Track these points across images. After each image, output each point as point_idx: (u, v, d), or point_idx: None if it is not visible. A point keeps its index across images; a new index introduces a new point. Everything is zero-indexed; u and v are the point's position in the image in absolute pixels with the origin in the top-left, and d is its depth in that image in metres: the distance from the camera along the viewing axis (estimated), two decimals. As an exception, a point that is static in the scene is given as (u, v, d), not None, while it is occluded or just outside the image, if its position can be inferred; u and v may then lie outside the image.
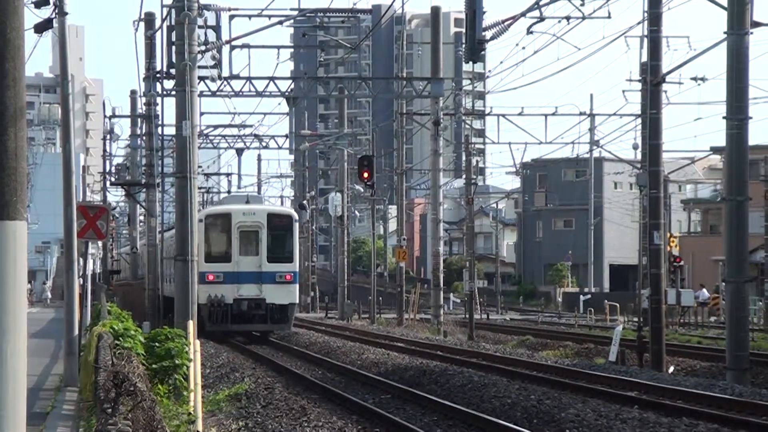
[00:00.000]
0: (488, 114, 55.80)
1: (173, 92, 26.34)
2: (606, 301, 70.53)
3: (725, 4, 26.63)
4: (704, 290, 61.51)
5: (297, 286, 44.42)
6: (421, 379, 27.15)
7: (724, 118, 26.84)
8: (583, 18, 31.80)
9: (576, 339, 44.64)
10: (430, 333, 48.54)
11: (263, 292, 42.83)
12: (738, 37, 26.36)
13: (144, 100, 45.82)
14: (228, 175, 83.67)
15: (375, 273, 69.67)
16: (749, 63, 26.59)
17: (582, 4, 31.13)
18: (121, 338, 18.49)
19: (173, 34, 25.77)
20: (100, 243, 68.50)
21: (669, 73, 32.25)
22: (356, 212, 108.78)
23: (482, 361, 32.43)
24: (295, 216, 45.90)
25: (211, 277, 42.49)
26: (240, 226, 43.43)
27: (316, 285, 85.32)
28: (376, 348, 37.08)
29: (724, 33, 26.69)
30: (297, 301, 45.59)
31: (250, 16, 33.35)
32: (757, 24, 27.22)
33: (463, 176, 61.19)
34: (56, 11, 22.11)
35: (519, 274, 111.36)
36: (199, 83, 26.39)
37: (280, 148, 59.03)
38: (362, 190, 70.23)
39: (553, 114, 52.82)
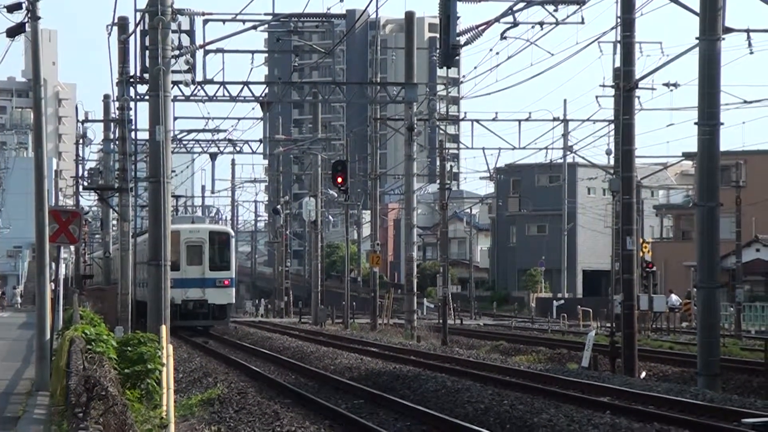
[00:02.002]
0: (462, 119, 55.88)
1: (146, 97, 26.30)
2: (579, 306, 70.69)
3: (698, 10, 26.76)
4: (673, 295, 61.69)
5: (233, 289, 54.09)
6: (394, 384, 27.16)
7: (695, 123, 26.96)
8: (557, 23, 31.89)
9: (549, 344, 44.73)
10: (403, 338, 48.57)
11: (206, 295, 52.00)
12: (710, 42, 26.49)
13: (117, 104, 45.66)
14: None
15: (348, 278, 69.66)
16: (721, 69, 26.73)
17: (555, 10, 31.22)
18: (93, 343, 18.44)
19: (147, 39, 25.72)
20: (72, 247, 68.30)
21: (642, 78, 32.35)
22: (330, 217, 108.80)
23: (455, 366, 32.46)
24: (232, 233, 57.07)
25: None
26: (187, 242, 52.10)
27: (290, 290, 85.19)
28: (350, 353, 37.09)
29: (697, 39, 26.81)
30: (233, 302, 55.73)
31: (224, 21, 33.27)
32: (729, 30, 27.37)
33: (437, 181, 61.27)
34: (29, 15, 22.02)
35: (492, 280, 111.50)
36: (172, 88, 26.33)
37: (254, 152, 59.07)
38: (336, 195, 70.29)
39: (527, 119, 52.96)
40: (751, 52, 29.77)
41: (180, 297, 49.84)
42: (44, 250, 22.68)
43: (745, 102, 40.67)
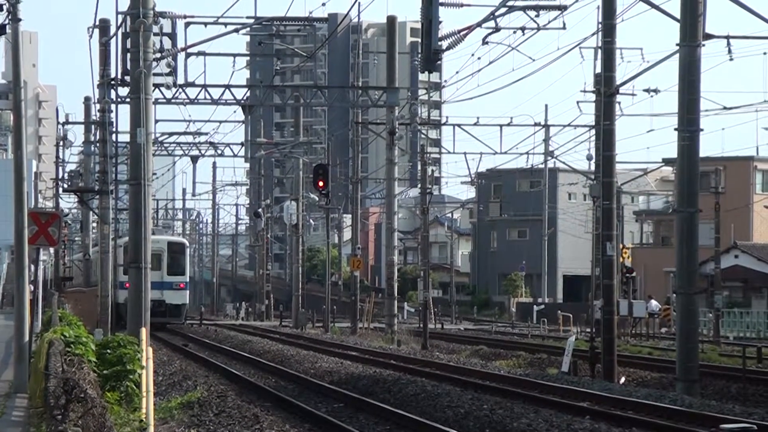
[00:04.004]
0: (444, 124, 55.96)
1: (128, 99, 26.26)
2: (559, 311, 70.78)
3: (678, 16, 26.85)
4: (653, 301, 61.85)
5: (188, 291, 62.67)
6: (374, 388, 27.16)
7: (675, 129, 27.05)
8: (538, 29, 31.93)
9: (529, 349, 44.80)
10: (383, 342, 48.57)
11: (164, 296, 58.81)
12: (690, 48, 26.59)
13: (98, 106, 45.58)
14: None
15: (329, 282, 69.62)
16: (701, 75, 26.83)
17: (537, 15, 31.26)
18: (72, 345, 18.37)
19: (128, 41, 25.69)
20: (51, 250, 68.10)
21: (622, 84, 32.43)
22: (311, 221, 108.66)
23: (435, 370, 32.48)
24: (187, 243, 66.32)
25: (127, 285, 47.60)
26: None
27: (271, 293, 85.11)
28: (330, 357, 37.08)
29: (677, 45, 26.91)
30: (187, 302, 63.95)
31: (205, 24, 33.27)
32: (709, 36, 27.47)
33: (419, 185, 61.32)
34: (9, 17, 21.95)
35: (473, 284, 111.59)
36: (154, 90, 26.29)
37: (235, 156, 59.06)
38: (317, 198, 70.23)
39: (508, 124, 53.06)
40: (731, 59, 29.83)
41: None
42: (23, 252, 22.60)
43: (725, 108, 40.80)
